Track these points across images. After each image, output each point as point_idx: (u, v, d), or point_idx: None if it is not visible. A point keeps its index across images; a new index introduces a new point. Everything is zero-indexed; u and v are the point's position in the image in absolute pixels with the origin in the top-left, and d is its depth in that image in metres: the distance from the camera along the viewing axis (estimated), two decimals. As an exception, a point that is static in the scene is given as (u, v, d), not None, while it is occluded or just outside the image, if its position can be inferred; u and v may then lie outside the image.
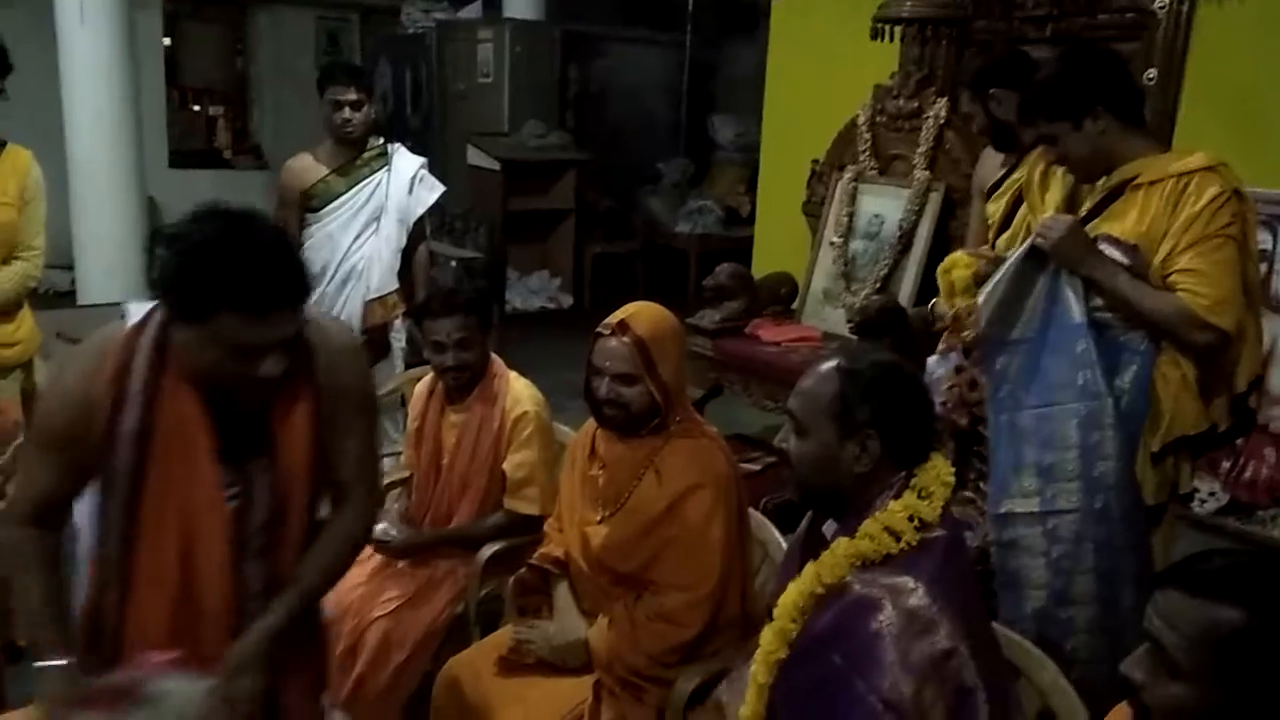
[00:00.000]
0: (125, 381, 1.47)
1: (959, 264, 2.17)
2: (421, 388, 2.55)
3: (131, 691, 1.42)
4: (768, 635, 1.45)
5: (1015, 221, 2.41)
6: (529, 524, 2.34)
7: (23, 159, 2.75)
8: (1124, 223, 1.95)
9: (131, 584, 1.52)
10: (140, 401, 1.46)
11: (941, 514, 1.40)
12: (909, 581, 1.32)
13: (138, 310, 1.56)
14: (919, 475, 1.42)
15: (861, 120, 3.53)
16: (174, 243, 1.40)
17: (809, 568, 1.41)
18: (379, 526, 2.26)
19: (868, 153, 3.51)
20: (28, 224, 2.74)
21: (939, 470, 1.44)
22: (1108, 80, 2.00)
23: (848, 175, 3.54)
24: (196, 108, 8.43)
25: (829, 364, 1.47)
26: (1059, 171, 2.17)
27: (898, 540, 1.35)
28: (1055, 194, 2.18)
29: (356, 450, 1.64)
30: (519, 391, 2.43)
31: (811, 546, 1.47)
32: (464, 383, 2.41)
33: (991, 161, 2.79)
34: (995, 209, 2.60)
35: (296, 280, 1.44)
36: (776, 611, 1.44)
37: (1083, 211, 2.06)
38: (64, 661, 1.48)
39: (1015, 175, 2.54)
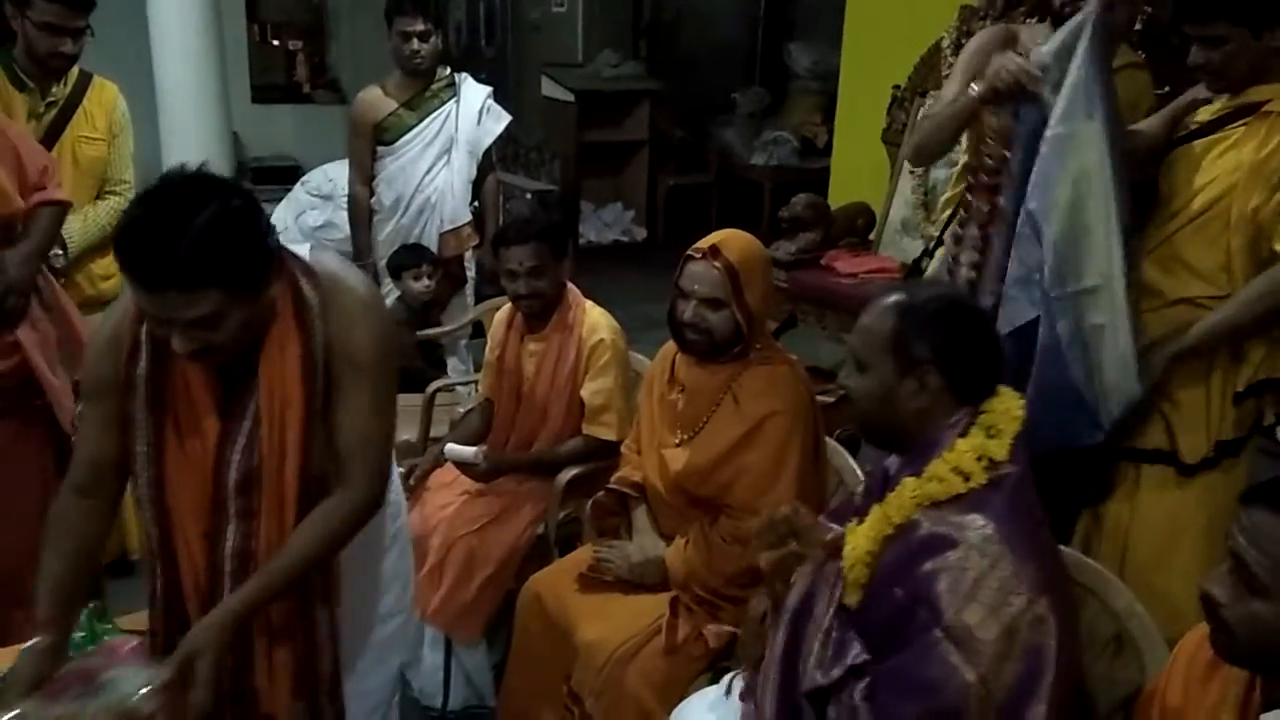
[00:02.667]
0: (141, 325, 1.43)
1: None
2: (501, 317, 2.61)
3: (91, 678, 1.38)
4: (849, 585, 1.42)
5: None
6: (606, 449, 2.40)
7: (109, 93, 2.69)
8: (1240, 152, 1.89)
9: (168, 535, 1.48)
10: (150, 346, 1.43)
11: (1011, 449, 1.37)
12: (978, 519, 1.31)
13: None
14: (987, 412, 1.40)
15: (946, 43, 3.44)
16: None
17: (876, 511, 1.41)
18: (469, 450, 2.35)
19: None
20: (117, 158, 2.70)
21: (1008, 405, 1.41)
22: None
23: (930, 101, 3.45)
24: (275, 42, 8.51)
25: (889, 299, 1.46)
26: None
27: (966, 480, 1.34)
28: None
29: (360, 421, 1.47)
30: (595, 320, 2.47)
31: (878, 485, 1.47)
32: (537, 310, 2.45)
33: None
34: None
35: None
36: (848, 561, 1.42)
37: (1186, 130, 1.99)
38: (34, 640, 1.40)
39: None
